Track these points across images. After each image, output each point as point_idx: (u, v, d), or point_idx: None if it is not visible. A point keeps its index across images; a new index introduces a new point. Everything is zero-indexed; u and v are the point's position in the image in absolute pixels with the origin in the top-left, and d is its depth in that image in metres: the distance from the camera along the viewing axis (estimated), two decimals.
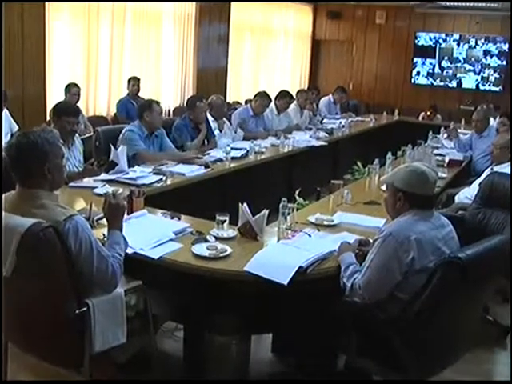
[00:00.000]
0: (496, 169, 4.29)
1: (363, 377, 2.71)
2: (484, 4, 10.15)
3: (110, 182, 3.77)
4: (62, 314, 2.18)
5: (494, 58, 10.81)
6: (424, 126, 8.27)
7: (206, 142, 5.28)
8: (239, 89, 10.22)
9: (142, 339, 2.53)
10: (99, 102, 7.38)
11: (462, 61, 11.07)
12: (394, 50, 11.56)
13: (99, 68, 7.28)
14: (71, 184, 3.62)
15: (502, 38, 10.56)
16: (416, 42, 11.30)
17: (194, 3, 8.61)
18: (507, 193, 3.44)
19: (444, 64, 11.23)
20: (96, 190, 3.53)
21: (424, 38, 11.24)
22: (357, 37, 11.91)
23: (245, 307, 2.67)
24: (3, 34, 5.77)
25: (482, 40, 10.82)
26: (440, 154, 5.75)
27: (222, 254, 2.60)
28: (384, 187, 3.13)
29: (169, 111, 8.48)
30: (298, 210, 3.30)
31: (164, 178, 3.97)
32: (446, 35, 11.09)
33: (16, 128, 5.33)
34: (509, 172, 3.86)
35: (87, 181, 3.75)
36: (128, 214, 2.98)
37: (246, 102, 8.07)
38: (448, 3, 10.46)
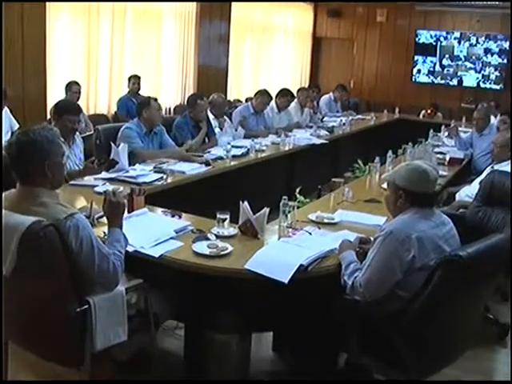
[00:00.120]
0: (496, 167, 4.29)
1: (364, 374, 2.71)
2: (484, 2, 10.15)
3: (110, 180, 3.77)
4: (63, 312, 2.18)
5: (495, 56, 10.80)
6: (425, 124, 8.26)
7: (206, 140, 5.27)
8: (240, 87, 10.23)
9: (142, 337, 2.52)
10: (100, 100, 7.38)
11: (463, 59, 11.06)
12: (395, 47, 11.56)
13: (100, 66, 7.27)
14: (72, 182, 3.62)
15: (503, 35, 10.55)
16: (417, 39, 11.30)
17: (194, 2, 8.60)
18: (507, 191, 3.44)
19: (445, 62, 11.22)
20: (96, 189, 3.53)
21: (425, 36, 11.23)
22: (357, 35, 11.91)
23: (245, 305, 2.67)
24: (3, 33, 5.76)
25: (483, 38, 10.81)
26: (441, 152, 5.74)
27: (222, 252, 2.60)
28: (385, 185, 3.13)
29: (169, 109, 8.48)
30: (298, 208, 3.30)
31: (164, 177, 3.97)
32: (447, 33, 11.08)
33: (16, 126, 5.33)
34: (509, 170, 3.86)
35: (88, 179, 3.75)
36: (129, 212, 2.98)
37: (247, 100, 8.06)
38: (448, 2, 10.46)
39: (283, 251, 2.67)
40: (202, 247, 2.63)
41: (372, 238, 2.66)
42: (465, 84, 11.11)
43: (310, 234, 2.93)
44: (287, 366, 3.12)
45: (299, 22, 11.76)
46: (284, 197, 3.03)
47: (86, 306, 2.19)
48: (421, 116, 9.44)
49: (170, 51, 8.47)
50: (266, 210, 2.89)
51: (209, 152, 4.91)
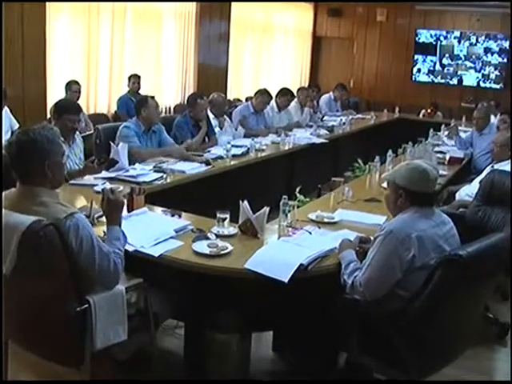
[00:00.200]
0: (496, 166, 4.29)
1: (364, 374, 2.71)
2: (484, 1, 10.14)
3: (110, 179, 3.77)
4: (63, 311, 2.18)
5: (495, 55, 10.80)
6: (425, 123, 8.25)
7: (206, 139, 5.27)
8: (240, 86, 10.22)
9: (142, 337, 2.53)
10: (100, 99, 7.37)
11: (463, 58, 11.05)
12: (395, 47, 11.55)
13: (100, 66, 7.27)
14: (72, 182, 3.62)
15: (503, 35, 10.54)
16: (417, 39, 11.29)
17: (194, 2, 8.60)
18: (507, 190, 3.44)
19: (445, 61, 11.22)
20: (96, 188, 3.52)
21: (425, 35, 11.23)
22: (357, 34, 11.91)
23: (245, 305, 2.67)
24: (3, 33, 5.76)
25: (483, 37, 10.81)
26: (441, 152, 5.74)
27: (222, 252, 2.60)
28: (385, 184, 3.13)
29: (169, 109, 8.47)
30: (298, 207, 3.30)
31: (164, 176, 3.97)
32: (447, 32, 11.07)
33: (16, 126, 5.33)
34: (509, 170, 3.86)
35: (88, 178, 3.75)
36: (128, 211, 2.98)
37: (247, 100, 8.06)
38: (448, 1, 10.46)
39: (283, 250, 2.67)
40: (201, 247, 2.63)
41: (372, 238, 2.66)
42: (465, 83, 11.10)
43: (310, 233, 2.93)
44: (287, 365, 3.12)
45: (299, 22, 11.75)
46: (284, 196, 3.04)
47: (86, 306, 2.19)
48: (421, 115, 9.43)
49: (169, 51, 8.47)
50: (266, 209, 2.89)
51: (209, 151, 4.92)
